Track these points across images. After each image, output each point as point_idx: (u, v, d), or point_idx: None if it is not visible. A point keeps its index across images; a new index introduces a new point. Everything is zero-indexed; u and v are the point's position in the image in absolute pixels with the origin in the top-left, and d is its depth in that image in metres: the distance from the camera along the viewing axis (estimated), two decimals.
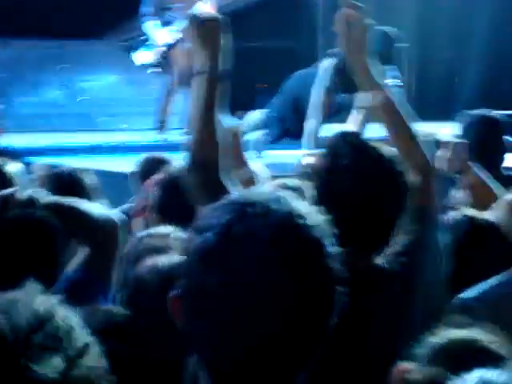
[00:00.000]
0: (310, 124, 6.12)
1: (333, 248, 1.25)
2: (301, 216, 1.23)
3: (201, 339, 1.23)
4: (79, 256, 2.32)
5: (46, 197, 2.22)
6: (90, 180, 3.33)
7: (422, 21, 10.18)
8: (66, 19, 10.30)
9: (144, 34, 7.93)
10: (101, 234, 2.27)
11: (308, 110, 6.15)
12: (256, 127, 6.97)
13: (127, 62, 9.79)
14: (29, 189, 2.35)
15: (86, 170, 3.56)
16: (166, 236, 2.25)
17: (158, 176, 3.17)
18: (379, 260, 2.09)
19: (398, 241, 2.12)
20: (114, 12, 10.37)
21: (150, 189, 3.12)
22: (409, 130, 2.26)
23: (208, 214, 1.26)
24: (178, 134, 8.04)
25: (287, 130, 6.70)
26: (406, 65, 9.54)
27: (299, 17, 11.10)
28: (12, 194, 2.12)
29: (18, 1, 10.22)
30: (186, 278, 1.23)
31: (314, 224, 1.24)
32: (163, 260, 2.03)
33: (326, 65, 6.19)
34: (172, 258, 1.97)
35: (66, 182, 3.15)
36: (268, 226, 1.21)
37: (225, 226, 1.20)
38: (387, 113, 2.25)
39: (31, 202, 2.15)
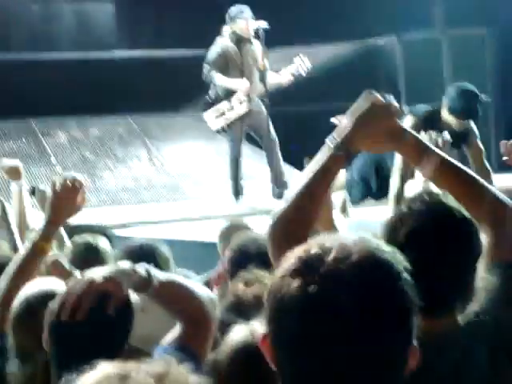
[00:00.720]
0: (393, 184, 6.07)
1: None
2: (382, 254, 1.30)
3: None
4: (175, 331, 2.28)
5: (160, 274, 2.20)
6: (165, 251, 3.37)
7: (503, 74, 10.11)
8: (148, 95, 10.60)
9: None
10: (199, 312, 2.24)
11: (392, 169, 6.11)
12: (339, 188, 6.95)
13: (209, 132, 9.96)
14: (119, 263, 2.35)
15: (167, 241, 3.63)
16: None
17: (233, 243, 3.19)
18: (459, 319, 2.02)
19: (480, 300, 2.05)
20: (191, 86, 10.64)
21: (226, 255, 3.15)
22: (475, 185, 2.13)
23: (290, 259, 1.35)
24: (256, 198, 8.10)
25: (370, 191, 6.66)
26: (491, 120, 9.48)
27: (382, 77, 11.14)
28: (134, 269, 2.11)
29: (95, 81, 10.56)
30: (271, 323, 1.32)
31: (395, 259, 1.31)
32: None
33: (406, 123, 6.16)
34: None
35: (143, 255, 3.19)
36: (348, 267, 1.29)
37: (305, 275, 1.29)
38: (445, 176, 2.14)
39: (149, 277, 2.14)
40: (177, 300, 2.21)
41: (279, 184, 7.96)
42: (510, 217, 2.13)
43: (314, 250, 1.33)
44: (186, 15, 12.10)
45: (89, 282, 2.00)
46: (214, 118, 7.90)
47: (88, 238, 4.02)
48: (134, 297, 2.12)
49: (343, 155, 2.05)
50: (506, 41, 10.75)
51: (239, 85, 7.77)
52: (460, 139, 5.93)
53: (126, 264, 2.11)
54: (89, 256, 3.79)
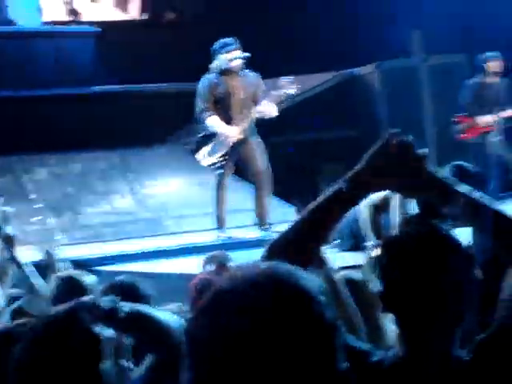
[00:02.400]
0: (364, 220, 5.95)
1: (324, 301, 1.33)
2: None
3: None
4: (146, 362, 2.30)
5: (126, 305, 2.20)
6: (146, 288, 3.35)
7: None
8: (128, 128, 10.62)
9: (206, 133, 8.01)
10: (169, 342, 2.25)
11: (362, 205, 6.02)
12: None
13: (190, 165, 9.95)
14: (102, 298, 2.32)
15: (151, 275, 3.59)
16: None
17: (199, 277, 3.16)
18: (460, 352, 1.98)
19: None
20: (171, 120, 10.70)
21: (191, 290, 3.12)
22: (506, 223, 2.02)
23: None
24: (239, 231, 8.09)
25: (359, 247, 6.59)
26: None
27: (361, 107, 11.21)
28: (95, 303, 2.10)
29: (76, 117, 10.57)
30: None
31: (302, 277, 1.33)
32: None
33: None
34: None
35: (124, 292, 3.16)
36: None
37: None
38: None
39: (115, 310, 2.14)
40: (145, 331, 2.21)
41: (261, 223, 8.00)
42: None
43: (224, 284, 1.35)
44: (165, 49, 12.16)
45: (49, 316, 2.00)
46: (204, 155, 7.96)
47: (72, 273, 3.96)
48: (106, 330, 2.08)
49: (349, 192, 2.00)
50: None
51: (228, 131, 7.86)
52: None
53: (87, 298, 2.11)
54: (73, 292, 3.72)
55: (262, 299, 1.30)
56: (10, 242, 3.78)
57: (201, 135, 8.07)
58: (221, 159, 7.93)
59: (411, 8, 11.20)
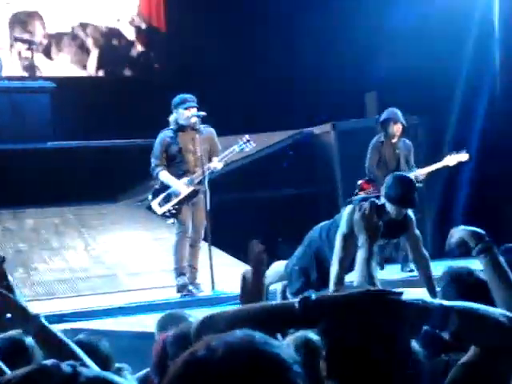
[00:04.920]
0: (332, 272, 6.05)
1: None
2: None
3: None
4: None
5: (87, 369, 2.14)
6: (105, 347, 3.28)
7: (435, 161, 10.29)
8: (82, 184, 10.58)
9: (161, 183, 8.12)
10: None
11: (332, 259, 6.10)
12: (279, 279, 6.93)
13: (146, 221, 9.91)
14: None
15: (105, 335, 3.51)
16: None
17: (164, 335, 3.10)
18: None
19: None
20: (126, 176, 10.70)
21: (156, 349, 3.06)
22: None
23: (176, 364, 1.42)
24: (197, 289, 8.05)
25: (310, 283, 6.63)
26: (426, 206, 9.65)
27: (318, 165, 11.32)
28: (57, 366, 2.03)
29: (31, 172, 10.52)
30: None
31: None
32: None
33: (345, 212, 6.19)
34: None
35: (84, 351, 3.09)
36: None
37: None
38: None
39: (75, 375, 2.07)
40: None
41: (193, 283, 8.07)
42: None
43: (199, 352, 1.34)
44: (120, 106, 12.19)
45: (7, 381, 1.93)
46: (158, 204, 8.13)
47: (14, 333, 3.76)
48: None
49: (301, 314, 1.93)
50: (437, 128, 11.01)
51: (179, 187, 8.02)
52: (398, 228, 5.95)
53: (48, 361, 2.04)
54: (15, 353, 3.57)
55: (239, 370, 1.30)
56: None
57: (156, 186, 8.19)
58: (173, 208, 8.03)
59: (365, 69, 11.41)
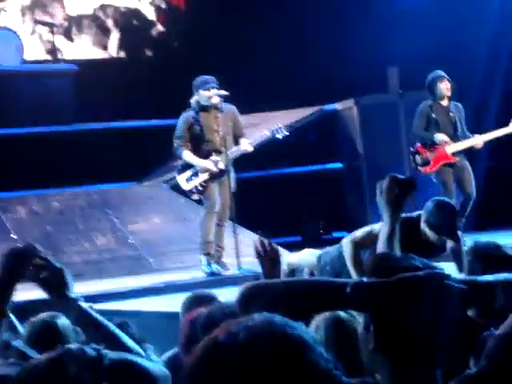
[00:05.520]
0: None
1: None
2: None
3: None
4: None
5: (111, 353, 2.17)
6: (133, 328, 3.30)
7: None
8: (107, 166, 10.63)
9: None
10: None
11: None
12: (310, 267, 6.75)
13: (171, 201, 9.95)
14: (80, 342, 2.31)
15: (134, 313, 3.55)
16: None
17: (191, 315, 3.09)
18: None
19: None
20: (150, 157, 10.74)
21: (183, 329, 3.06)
22: None
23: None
24: (223, 268, 8.08)
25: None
26: None
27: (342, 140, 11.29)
28: (81, 350, 2.07)
29: (55, 155, 10.58)
30: None
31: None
32: None
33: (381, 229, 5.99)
34: None
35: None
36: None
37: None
38: None
39: (100, 358, 2.10)
40: (130, 379, 2.19)
41: (219, 261, 8.07)
42: None
43: (220, 337, 1.37)
44: (143, 87, 12.20)
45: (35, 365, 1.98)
46: (185, 179, 8.08)
47: (45, 316, 3.73)
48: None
49: (351, 296, 1.94)
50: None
51: (205, 164, 8.01)
52: (436, 251, 5.60)
53: (73, 345, 2.08)
54: (47, 336, 3.53)
55: (261, 353, 1.33)
56: None
57: (181, 163, 8.21)
58: (197, 186, 8.04)
59: (388, 43, 11.35)
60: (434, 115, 8.73)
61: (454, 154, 8.71)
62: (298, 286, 2.06)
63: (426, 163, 8.75)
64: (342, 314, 2.95)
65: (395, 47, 11.02)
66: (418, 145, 8.82)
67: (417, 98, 9.41)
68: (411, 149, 8.93)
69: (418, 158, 8.77)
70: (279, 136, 8.23)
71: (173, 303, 6.08)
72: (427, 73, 8.98)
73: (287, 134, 8.27)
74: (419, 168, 8.80)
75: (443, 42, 10.63)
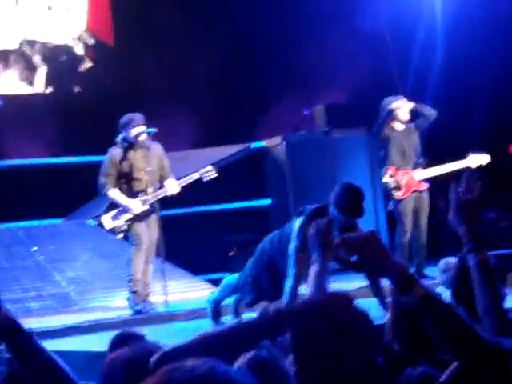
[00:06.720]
0: (286, 286, 6.09)
1: None
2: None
3: None
4: None
5: None
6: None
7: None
8: (31, 202, 10.50)
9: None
10: None
11: (288, 271, 6.14)
12: (232, 292, 6.93)
13: (97, 239, 9.85)
14: None
15: (59, 355, 3.47)
16: None
17: (114, 355, 3.02)
18: None
19: None
20: (75, 194, 10.65)
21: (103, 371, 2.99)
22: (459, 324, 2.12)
23: None
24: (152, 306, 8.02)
25: (263, 291, 6.65)
26: None
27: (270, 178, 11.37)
28: None
29: None
30: None
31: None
32: None
33: (296, 224, 6.23)
34: None
35: None
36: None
37: None
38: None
39: None
40: None
41: (146, 299, 8.01)
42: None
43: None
44: (68, 123, 12.13)
45: None
46: (110, 218, 8.04)
47: None
48: None
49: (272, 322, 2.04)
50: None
51: (132, 205, 7.98)
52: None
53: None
54: None
55: None
56: None
57: (108, 202, 8.11)
58: (123, 224, 7.97)
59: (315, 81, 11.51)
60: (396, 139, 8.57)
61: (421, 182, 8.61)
62: (212, 339, 2.06)
63: (397, 188, 8.54)
64: (263, 353, 2.95)
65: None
66: (390, 168, 8.60)
67: (343, 136, 9.54)
68: (383, 171, 8.65)
69: (390, 181, 8.54)
70: (208, 178, 8.22)
71: (99, 342, 6.01)
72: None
73: (215, 175, 8.26)
74: (393, 192, 8.56)
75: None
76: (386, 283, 5.85)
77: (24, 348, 2.34)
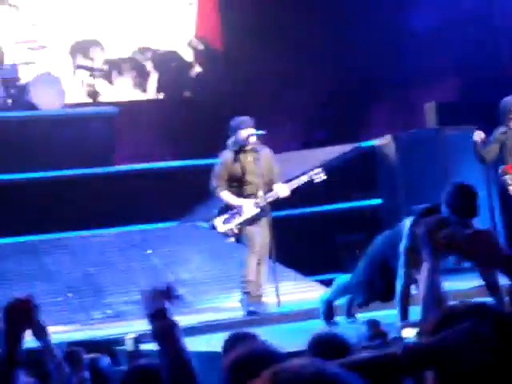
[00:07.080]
0: (397, 287, 6.05)
1: None
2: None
3: None
4: None
5: None
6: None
7: None
8: (146, 206, 10.71)
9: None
10: None
11: (398, 270, 6.10)
12: (344, 292, 6.93)
13: (210, 241, 9.97)
14: None
15: None
16: None
17: (230, 357, 3.05)
18: None
19: None
20: (189, 197, 10.80)
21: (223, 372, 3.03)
22: None
23: None
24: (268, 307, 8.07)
25: (375, 293, 6.62)
26: None
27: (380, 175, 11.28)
28: None
29: (96, 198, 10.68)
30: None
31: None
32: None
33: (407, 223, 6.18)
34: None
35: (145, 377, 3.12)
36: None
37: None
38: None
39: None
40: None
41: (259, 300, 8.04)
42: None
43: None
44: (181, 127, 12.32)
45: None
46: (222, 222, 8.14)
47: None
48: None
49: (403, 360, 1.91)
50: None
51: (245, 207, 8.06)
52: None
53: None
54: None
55: None
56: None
57: (222, 205, 8.22)
58: (234, 228, 8.05)
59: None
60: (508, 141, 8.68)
61: None
62: (348, 367, 2.02)
63: None
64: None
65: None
66: (504, 166, 8.69)
67: (454, 133, 9.37)
68: (499, 171, 8.76)
69: (507, 178, 8.61)
70: (318, 181, 8.22)
71: (213, 343, 6.09)
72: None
73: (325, 177, 8.25)
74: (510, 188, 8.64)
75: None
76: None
77: (173, 350, 2.59)
